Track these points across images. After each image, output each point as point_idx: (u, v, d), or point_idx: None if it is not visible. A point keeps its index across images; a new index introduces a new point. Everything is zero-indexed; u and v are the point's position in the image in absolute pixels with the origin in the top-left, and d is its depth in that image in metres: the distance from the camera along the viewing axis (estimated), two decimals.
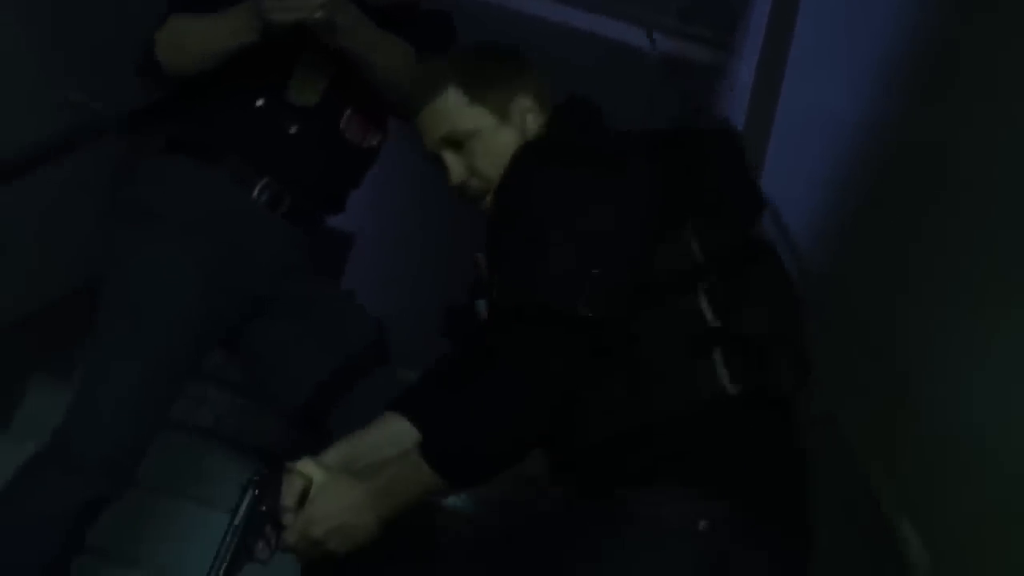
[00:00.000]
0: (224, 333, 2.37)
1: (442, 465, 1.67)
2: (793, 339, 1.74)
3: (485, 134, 1.89)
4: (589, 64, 5.56)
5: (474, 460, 1.69)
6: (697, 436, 1.65)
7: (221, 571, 1.74)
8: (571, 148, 1.83)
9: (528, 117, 1.91)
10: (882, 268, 2.43)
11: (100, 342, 2.26)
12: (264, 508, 1.77)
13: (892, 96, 2.74)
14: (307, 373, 2.38)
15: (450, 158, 1.91)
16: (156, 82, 2.32)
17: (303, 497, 1.76)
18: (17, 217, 2.99)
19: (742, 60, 4.95)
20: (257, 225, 2.34)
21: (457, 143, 1.90)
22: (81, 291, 3.12)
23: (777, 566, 1.64)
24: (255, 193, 2.33)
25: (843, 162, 2.95)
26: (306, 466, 1.78)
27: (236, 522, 1.77)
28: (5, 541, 2.20)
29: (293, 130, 2.35)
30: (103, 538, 2.55)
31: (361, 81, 2.35)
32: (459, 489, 1.78)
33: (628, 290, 1.69)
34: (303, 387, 2.37)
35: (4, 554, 2.19)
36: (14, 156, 2.66)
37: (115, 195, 2.40)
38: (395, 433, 1.94)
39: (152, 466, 2.77)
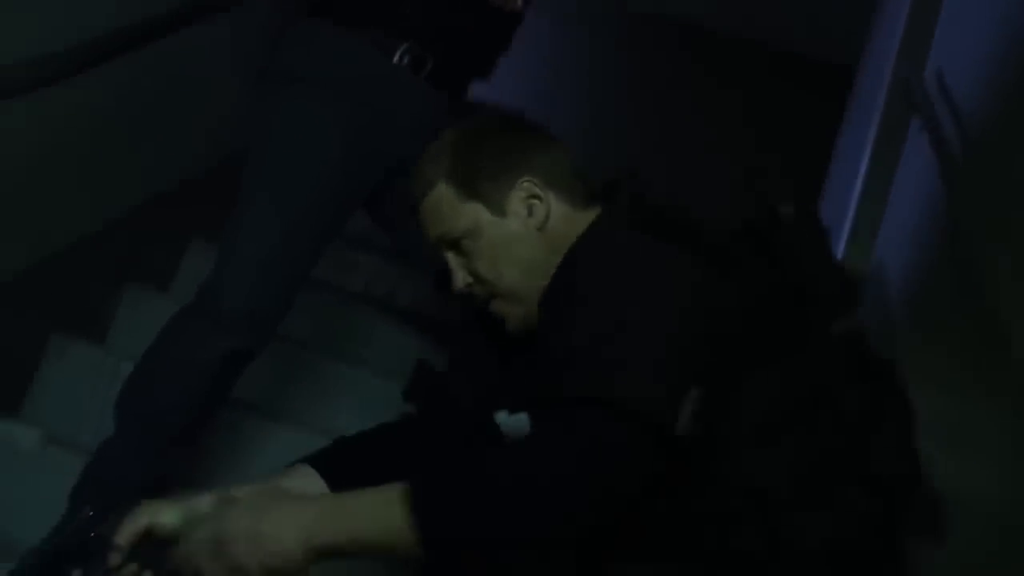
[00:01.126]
0: (367, 194, 2.41)
1: (429, 522, 1.31)
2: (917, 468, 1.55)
3: (483, 233, 1.62)
4: None
5: (474, 536, 1.32)
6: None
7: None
8: (660, 217, 1.53)
9: (535, 206, 1.63)
10: None
11: (244, 200, 2.32)
12: (95, 535, 1.52)
13: None
14: None
15: (452, 260, 1.67)
16: None
17: (140, 541, 1.50)
18: (166, 82, 3.06)
19: None
20: (399, 88, 2.35)
21: (455, 244, 1.65)
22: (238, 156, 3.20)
23: None
24: (396, 57, 2.34)
25: (1012, 27, 2.81)
26: (160, 508, 1.53)
27: (58, 537, 1.57)
28: (152, 389, 2.30)
29: None
30: (253, 392, 2.67)
31: None
32: (429, 560, 1.34)
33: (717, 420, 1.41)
34: None
35: (151, 401, 2.30)
36: (163, 18, 2.69)
37: (264, 61, 2.44)
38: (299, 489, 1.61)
39: (304, 325, 2.87)
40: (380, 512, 1.34)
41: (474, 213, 1.63)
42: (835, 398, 1.49)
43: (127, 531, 1.50)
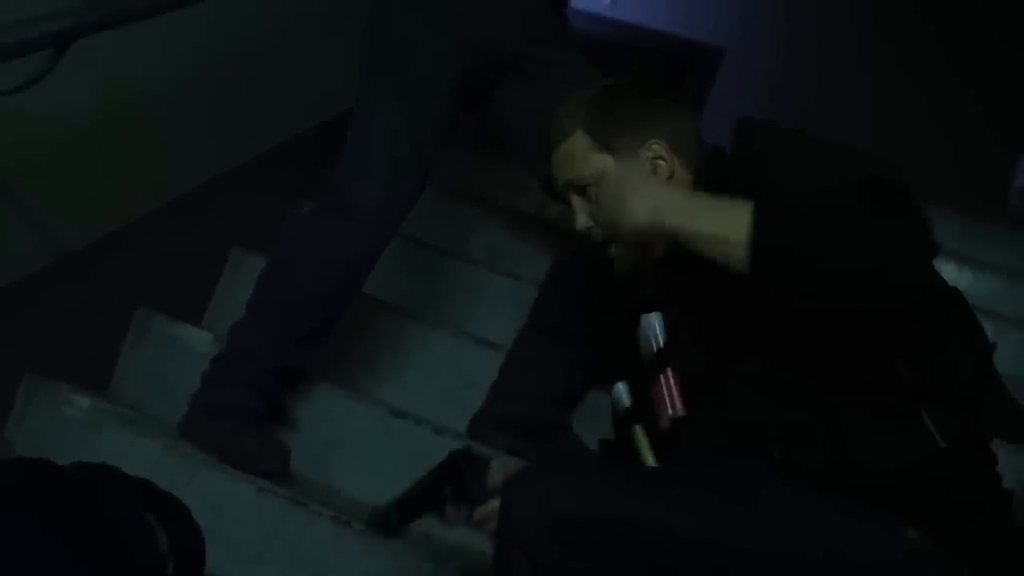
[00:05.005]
0: (478, 85, 2.43)
1: (767, 230, 1.48)
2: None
3: (608, 182, 1.75)
4: None
5: (803, 251, 1.47)
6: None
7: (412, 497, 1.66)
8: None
9: (660, 166, 1.76)
10: None
11: (366, 96, 2.38)
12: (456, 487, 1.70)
13: None
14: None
15: (576, 203, 1.81)
16: None
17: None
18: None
19: None
20: None
21: (582, 189, 1.79)
22: None
23: None
24: None
25: None
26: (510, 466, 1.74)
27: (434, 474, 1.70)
28: (293, 281, 2.40)
29: None
30: (390, 292, 2.79)
31: None
32: (761, 269, 1.50)
33: None
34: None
35: (292, 293, 2.41)
36: None
37: None
38: None
39: (465, 239, 2.99)
40: (725, 216, 1.53)
41: (603, 164, 1.77)
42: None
43: (497, 479, 1.69)
